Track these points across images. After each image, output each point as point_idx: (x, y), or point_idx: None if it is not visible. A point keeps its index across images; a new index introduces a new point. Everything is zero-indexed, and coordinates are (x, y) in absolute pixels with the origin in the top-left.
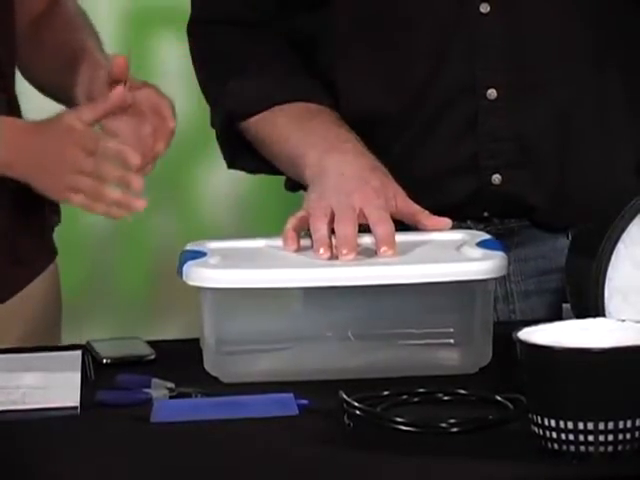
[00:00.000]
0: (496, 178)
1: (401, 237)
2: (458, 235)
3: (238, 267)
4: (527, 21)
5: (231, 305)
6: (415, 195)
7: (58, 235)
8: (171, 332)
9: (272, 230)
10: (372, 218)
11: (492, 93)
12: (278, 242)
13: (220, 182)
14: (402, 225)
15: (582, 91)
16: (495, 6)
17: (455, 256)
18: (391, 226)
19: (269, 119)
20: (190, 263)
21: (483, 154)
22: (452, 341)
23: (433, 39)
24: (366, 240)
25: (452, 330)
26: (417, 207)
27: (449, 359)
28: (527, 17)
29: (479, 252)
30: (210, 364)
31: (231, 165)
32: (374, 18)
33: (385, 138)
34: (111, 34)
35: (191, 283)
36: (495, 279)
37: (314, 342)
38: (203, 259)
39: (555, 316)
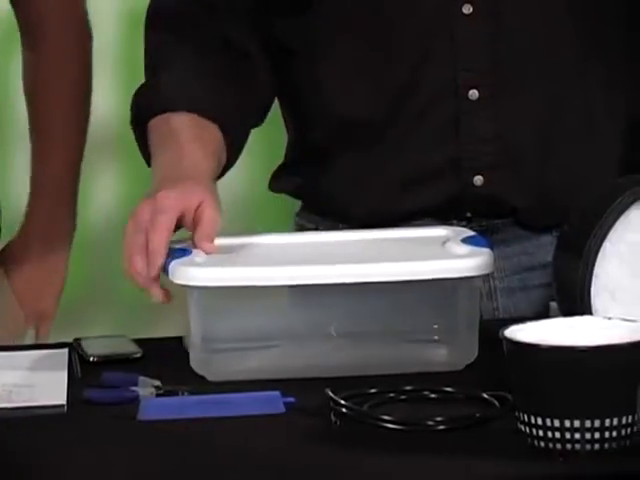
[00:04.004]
0: (478, 180)
1: (386, 233)
2: (443, 231)
3: (224, 265)
4: (509, 22)
5: (217, 303)
6: (398, 196)
7: None
8: (171, 331)
9: (270, 229)
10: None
11: (474, 94)
12: (265, 239)
13: (219, 182)
14: (390, 223)
15: (564, 92)
16: (477, 7)
17: (441, 253)
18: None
19: (157, 126)
20: (176, 261)
21: (465, 155)
22: (438, 338)
23: (415, 40)
24: (354, 237)
25: (438, 327)
26: (205, 229)
27: (436, 356)
28: (509, 18)
29: (465, 249)
30: (196, 362)
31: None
32: (357, 19)
33: (367, 139)
34: (111, 34)
35: (176, 282)
36: (481, 276)
37: (301, 340)
38: (188, 257)
39: (538, 312)
